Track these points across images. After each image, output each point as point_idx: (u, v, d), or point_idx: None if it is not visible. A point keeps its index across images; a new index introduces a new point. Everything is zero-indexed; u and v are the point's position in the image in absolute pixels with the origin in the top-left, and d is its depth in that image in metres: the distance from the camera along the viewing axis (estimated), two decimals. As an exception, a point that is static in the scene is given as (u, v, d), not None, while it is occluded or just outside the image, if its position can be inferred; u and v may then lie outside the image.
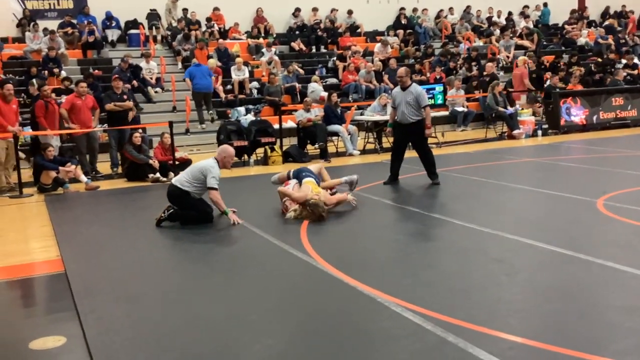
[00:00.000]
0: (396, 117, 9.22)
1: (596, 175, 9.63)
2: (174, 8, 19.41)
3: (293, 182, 7.68)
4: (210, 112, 15.31)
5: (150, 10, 18.85)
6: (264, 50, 18.61)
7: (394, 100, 9.23)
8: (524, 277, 5.00)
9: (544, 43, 22.61)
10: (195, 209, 7.20)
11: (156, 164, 10.55)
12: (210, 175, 7.08)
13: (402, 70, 9.41)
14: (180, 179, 7.27)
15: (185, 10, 19.32)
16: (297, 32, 20.55)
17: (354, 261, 5.57)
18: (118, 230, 7.02)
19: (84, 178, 10.16)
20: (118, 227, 7.08)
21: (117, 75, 12.51)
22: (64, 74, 15.42)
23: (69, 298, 4.88)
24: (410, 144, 9.38)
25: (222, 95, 16.30)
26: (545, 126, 15.24)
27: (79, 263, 5.83)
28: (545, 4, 24.50)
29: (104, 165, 11.60)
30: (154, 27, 18.86)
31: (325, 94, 14.79)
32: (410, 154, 9.47)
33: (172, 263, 5.95)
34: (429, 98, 13.60)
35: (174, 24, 19.22)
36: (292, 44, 20.02)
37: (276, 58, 18.26)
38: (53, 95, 12.36)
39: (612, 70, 18.86)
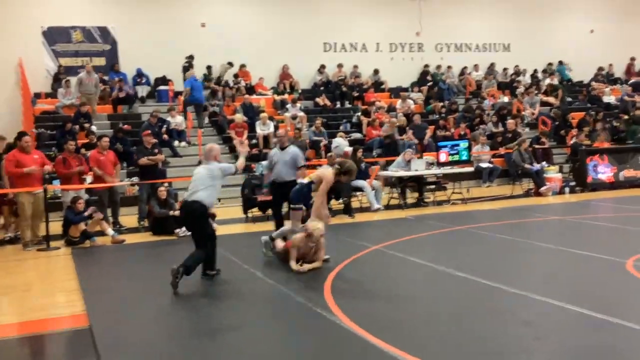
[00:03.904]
0: (272, 177, 9.34)
1: (625, 235, 9.45)
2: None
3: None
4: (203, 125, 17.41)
5: (186, 60, 19.31)
6: (288, 105, 18.90)
7: (271, 160, 9.33)
8: (555, 342, 4.86)
9: (569, 100, 22.62)
10: (206, 239, 7.15)
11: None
12: (224, 167, 7.55)
13: (282, 131, 9.86)
14: (197, 194, 7.06)
15: (209, 67, 19.79)
16: (321, 88, 20.88)
17: (380, 320, 5.48)
18: (143, 285, 7.01)
19: (110, 231, 10.28)
20: (143, 282, 7.08)
21: (149, 131, 12.72)
22: (94, 128, 15.72)
23: (93, 354, 4.86)
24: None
25: (247, 149, 16.46)
26: (573, 183, 15.10)
27: (105, 318, 5.83)
28: (560, 62, 24.57)
29: (130, 218, 11.70)
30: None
31: (350, 149, 14.86)
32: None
33: (196, 320, 5.90)
34: (454, 154, 13.85)
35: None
36: (317, 99, 20.33)
37: (302, 113, 18.52)
38: (82, 150, 12.54)
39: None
